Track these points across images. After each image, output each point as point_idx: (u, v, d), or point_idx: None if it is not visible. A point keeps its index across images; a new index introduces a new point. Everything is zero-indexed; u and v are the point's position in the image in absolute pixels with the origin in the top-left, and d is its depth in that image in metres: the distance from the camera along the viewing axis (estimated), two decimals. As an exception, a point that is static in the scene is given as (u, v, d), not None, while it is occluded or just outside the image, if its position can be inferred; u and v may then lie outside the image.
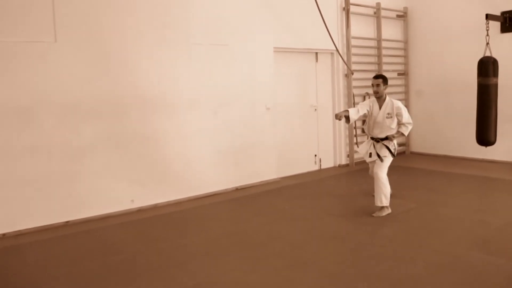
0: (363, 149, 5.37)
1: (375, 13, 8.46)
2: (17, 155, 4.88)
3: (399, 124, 5.12)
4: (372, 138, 5.26)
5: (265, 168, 7.02)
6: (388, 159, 5.13)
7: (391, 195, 5.20)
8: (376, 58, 8.54)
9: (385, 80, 5.16)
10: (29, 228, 4.95)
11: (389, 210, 5.10)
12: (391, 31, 8.83)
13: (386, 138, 5.14)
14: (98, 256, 4.20)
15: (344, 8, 7.88)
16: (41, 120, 5.03)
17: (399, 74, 9.07)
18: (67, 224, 5.17)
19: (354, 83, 8.03)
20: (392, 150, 5.13)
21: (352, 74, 7.93)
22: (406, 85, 9.18)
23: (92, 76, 5.34)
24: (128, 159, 5.62)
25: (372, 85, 5.18)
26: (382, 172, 5.04)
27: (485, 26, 6.23)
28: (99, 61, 5.38)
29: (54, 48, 5.09)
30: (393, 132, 5.15)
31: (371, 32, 8.48)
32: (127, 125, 5.62)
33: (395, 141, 5.18)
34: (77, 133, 5.26)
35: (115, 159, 5.53)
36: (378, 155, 5.11)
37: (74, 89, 5.22)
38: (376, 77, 5.24)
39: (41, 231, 4.96)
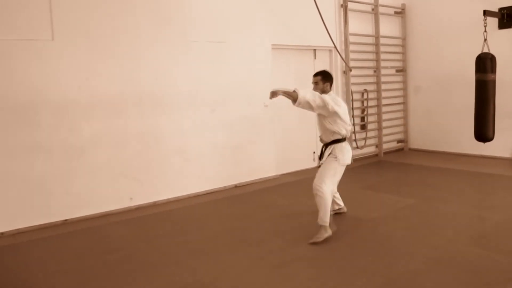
0: None
1: (373, 9, 8.45)
2: (15, 154, 4.87)
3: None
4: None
5: (264, 165, 7.02)
6: (327, 166, 4.43)
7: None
8: (374, 55, 8.53)
9: (325, 76, 4.49)
10: (28, 227, 4.94)
11: (329, 232, 4.21)
12: (389, 27, 8.83)
13: (332, 142, 4.49)
14: (97, 254, 4.20)
15: (342, 5, 7.87)
16: (39, 118, 5.02)
17: (397, 71, 9.08)
18: (65, 223, 5.16)
19: (352, 80, 8.02)
20: (336, 155, 4.39)
21: (350, 71, 7.93)
22: (404, 82, 9.18)
23: (89, 74, 5.32)
24: (126, 156, 5.62)
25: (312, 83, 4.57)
26: (318, 183, 4.39)
27: (482, 22, 6.23)
28: (96, 58, 5.37)
29: (51, 46, 5.07)
30: (335, 136, 4.45)
31: (369, 29, 8.48)
32: (125, 123, 5.61)
33: (343, 144, 4.46)
34: (75, 131, 5.25)
35: (114, 157, 5.52)
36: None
37: (71, 87, 5.21)
38: (315, 74, 4.57)
39: (39, 229, 4.95)
